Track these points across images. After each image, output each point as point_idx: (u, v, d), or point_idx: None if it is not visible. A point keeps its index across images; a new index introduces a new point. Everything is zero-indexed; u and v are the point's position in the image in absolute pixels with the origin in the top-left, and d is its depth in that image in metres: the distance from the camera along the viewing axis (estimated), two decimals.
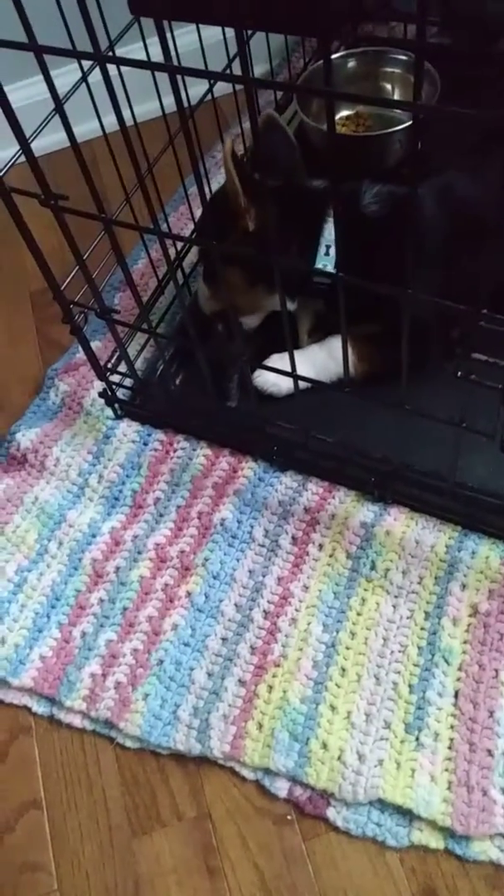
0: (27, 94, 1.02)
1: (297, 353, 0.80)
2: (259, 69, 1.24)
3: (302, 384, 0.82)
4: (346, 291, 0.64)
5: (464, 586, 0.83)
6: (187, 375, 1.02)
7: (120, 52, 0.80)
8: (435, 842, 0.72)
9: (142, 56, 0.83)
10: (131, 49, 0.84)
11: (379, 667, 0.80)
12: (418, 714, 0.77)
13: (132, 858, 0.76)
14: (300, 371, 0.79)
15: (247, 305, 0.95)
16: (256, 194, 0.83)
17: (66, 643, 0.86)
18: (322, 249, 0.88)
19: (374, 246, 0.79)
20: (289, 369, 0.78)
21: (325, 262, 0.88)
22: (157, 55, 0.55)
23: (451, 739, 0.75)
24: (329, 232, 0.88)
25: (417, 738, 0.76)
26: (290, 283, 0.89)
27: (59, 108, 0.63)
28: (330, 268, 0.87)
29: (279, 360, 0.92)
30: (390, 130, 1.11)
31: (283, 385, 0.94)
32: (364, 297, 0.63)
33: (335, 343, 0.93)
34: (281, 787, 0.76)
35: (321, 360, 0.93)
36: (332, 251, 0.87)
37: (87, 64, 0.76)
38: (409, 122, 1.07)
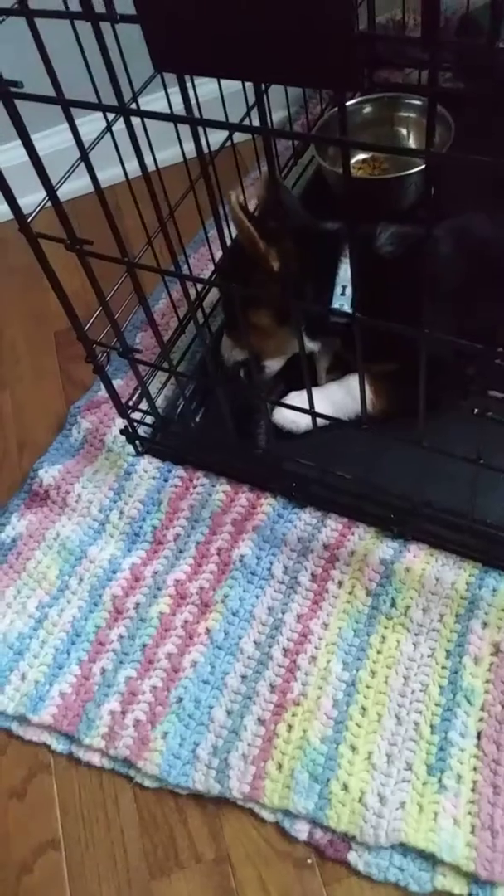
0: (53, 142, 1.06)
1: (315, 391, 0.81)
2: (277, 115, 1.27)
3: (320, 421, 0.82)
4: (362, 331, 0.65)
5: (485, 624, 0.82)
6: (207, 413, 1.03)
7: (143, 100, 0.83)
8: (459, 888, 0.70)
9: (164, 104, 0.87)
10: (153, 98, 0.87)
11: (400, 706, 0.79)
12: (440, 755, 0.76)
13: None
14: (318, 408, 0.80)
15: (273, 348, 0.96)
16: (273, 236, 0.85)
17: (86, 680, 0.86)
18: (338, 290, 0.89)
19: (390, 286, 0.80)
20: (307, 407, 0.79)
21: (342, 301, 0.89)
22: (179, 104, 0.57)
23: (475, 782, 0.74)
24: (344, 272, 0.89)
25: (440, 780, 0.74)
26: (311, 322, 0.91)
27: (84, 157, 0.66)
28: (346, 307, 0.88)
29: (297, 398, 0.93)
30: (405, 174, 1.13)
31: (302, 422, 0.95)
32: (380, 335, 0.64)
33: (353, 381, 0.94)
34: (301, 830, 0.75)
35: (339, 397, 0.93)
36: (348, 291, 0.88)
37: (111, 115, 0.79)
38: (424, 166, 1.09)
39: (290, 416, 0.95)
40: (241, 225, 0.85)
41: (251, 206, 1.10)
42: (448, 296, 0.85)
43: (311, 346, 0.96)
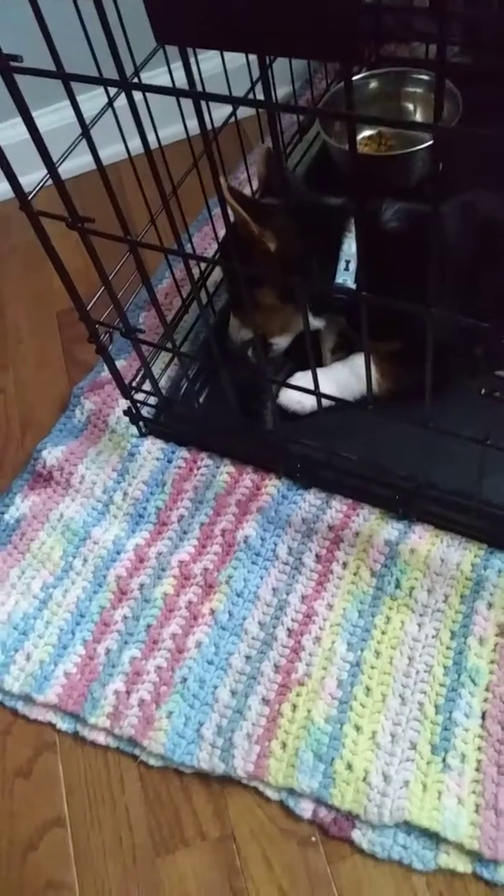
0: (54, 118, 1.04)
1: (320, 372, 0.80)
2: (282, 91, 1.25)
3: (325, 402, 0.82)
4: (367, 308, 0.65)
5: (490, 605, 0.82)
6: (211, 393, 1.03)
7: (145, 75, 0.81)
8: (462, 866, 0.70)
9: (167, 80, 0.85)
10: (156, 73, 0.86)
11: (404, 686, 0.79)
12: (445, 735, 0.76)
13: (155, 878, 0.75)
14: (324, 389, 0.79)
15: (279, 326, 0.95)
16: (267, 216, 0.84)
17: (91, 660, 0.87)
18: (342, 265, 0.88)
19: (395, 262, 0.79)
20: (312, 388, 0.79)
21: (345, 277, 0.88)
22: (181, 79, 0.56)
23: (479, 761, 0.74)
24: (348, 247, 0.88)
25: (444, 760, 0.75)
26: (315, 299, 0.90)
27: (85, 133, 0.65)
28: (350, 283, 0.88)
29: (303, 379, 0.92)
30: (412, 150, 1.12)
31: (307, 403, 0.94)
32: (385, 313, 0.63)
33: (358, 361, 0.93)
34: (305, 808, 0.75)
35: (344, 377, 0.93)
36: (352, 266, 0.87)
37: (113, 90, 0.77)
38: (431, 142, 1.07)
39: (296, 397, 0.94)
40: (233, 208, 0.84)
41: (254, 182, 1.09)
42: (454, 273, 0.84)
43: (316, 323, 0.95)
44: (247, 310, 0.89)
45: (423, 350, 0.63)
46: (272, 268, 0.86)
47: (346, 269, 0.88)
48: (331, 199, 0.93)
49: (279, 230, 0.84)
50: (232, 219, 0.92)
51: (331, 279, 0.89)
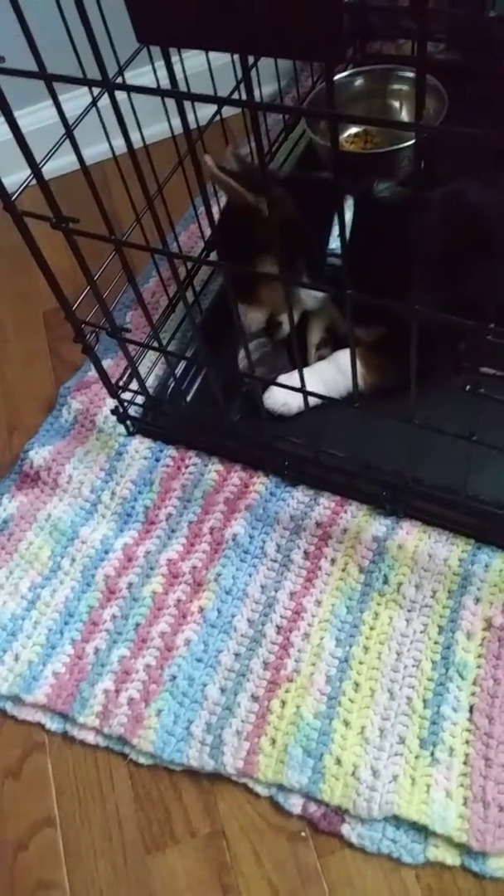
0: (38, 118, 1.04)
1: (305, 371, 0.80)
2: (268, 88, 1.26)
3: (312, 401, 0.82)
4: (354, 275, 0.64)
5: (477, 600, 0.83)
6: (198, 392, 1.03)
7: (129, 74, 0.81)
8: (451, 858, 0.71)
9: (151, 79, 0.85)
10: (141, 71, 0.86)
11: (393, 682, 0.80)
12: (433, 729, 0.76)
13: (146, 875, 0.76)
14: (310, 388, 0.79)
15: (283, 300, 0.95)
16: (258, 185, 0.86)
17: (79, 659, 0.87)
18: (335, 231, 0.90)
19: (383, 236, 0.80)
20: (297, 389, 0.79)
21: (337, 243, 0.90)
22: (166, 77, 0.56)
23: (467, 755, 0.75)
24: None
25: (432, 754, 0.75)
26: (312, 270, 0.91)
27: (69, 134, 0.65)
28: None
29: (287, 380, 0.93)
30: (397, 147, 1.12)
31: (293, 404, 0.94)
32: (371, 290, 0.63)
33: (343, 358, 0.93)
34: (295, 804, 0.76)
35: (330, 375, 0.93)
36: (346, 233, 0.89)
37: (96, 89, 0.77)
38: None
39: (281, 399, 0.94)
40: (221, 182, 0.85)
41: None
42: (439, 263, 0.84)
43: (311, 302, 0.95)
44: (251, 293, 0.90)
45: (406, 336, 0.64)
46: (272, 237, 0.87)
47: (339, 235, 0.90)
48: (321, 173, 0.94)
49: (274, 199, 0.86)
50: (221, 208, 0.92)
51: (323, 246, 0.90)
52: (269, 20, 0.40)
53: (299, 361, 0.77)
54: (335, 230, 0.90)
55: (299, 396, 0.87)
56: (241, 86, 0.96)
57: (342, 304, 0.68)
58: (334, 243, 0.90)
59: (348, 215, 0.90)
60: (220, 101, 0.53)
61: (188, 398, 1.03)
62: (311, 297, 0.96)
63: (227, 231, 0.88)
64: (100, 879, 0.76)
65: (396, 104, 1.26)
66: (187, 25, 0.43)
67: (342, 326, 0.97)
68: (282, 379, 0.93)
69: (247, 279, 0.94)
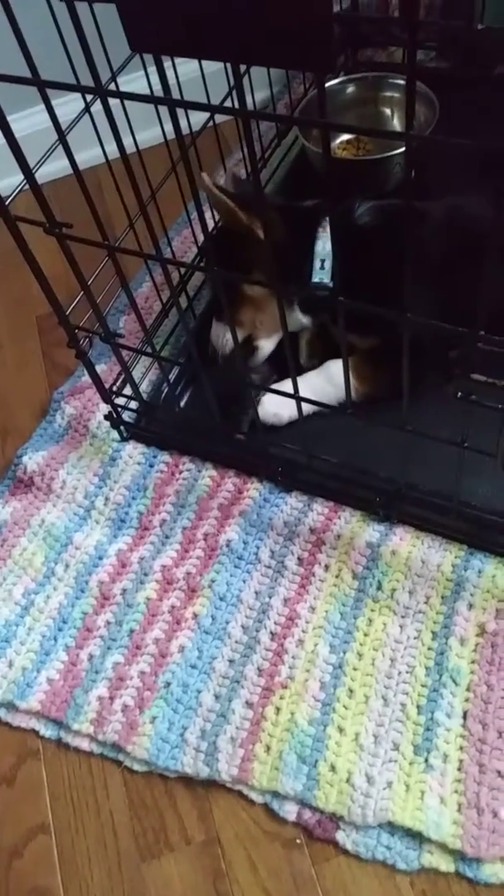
0: (31, 122, 1.04)
1: (280, 389, 0.82)
2: (260, 95, 1.26)
3: (305, 410, 0.82)
4: (344, 304, 0.65)
5: (471, 606, 0.83)
6: (192, 398, 1.03)
7: (123, 78, 0.82)
8: (445, 865, 0.71)
9: (144, 84, 0.85)
10: (135, 77, 0.86)
11: (387, 688, 0.80)
12: (427, 735, 0.76)
13: (141, 883, 0.75)
14: (286, 411, 0.81)
15: (267, 322, 0.95)
16: (253, 207, 0.86)
17: (74, 666, 0.86)
18: (317, 264, 0.91)
19: (369, 258, 0.80)
20: (288, 399, 0.79)
21: (321, 276, 0.91)
22: (158, 83, 0.56)
23: (461, 761, 0.75)
24: (322, 247, 0.91)
25: (426, 760, 0.75)
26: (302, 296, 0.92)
27: (62, 139, 0.65)
28: (326, 281, 0.89)
29: (280, 388, 0.93)
30: (389, 154, 1.12)
31: (284, 415, 0.94)
32: (358, 297, 0.63)
33: (332, 368, 0.94)
34: (290, 811, 0.76)
35: (320, 386, 0.93)
36: (327, 265, 0.90)
37: (89, 95, 0.77)
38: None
39: (272, 410, 0.94)
40: (217, 200, 0.85)
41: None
42: (431, 272, 0.85)
43: (303, 320, 0.96)
44: (236, 312, 0.90)
45: (399, 348, 0.64)
46: (263, 257, 0.88)
47: (322, 267, 0.91)
48: (305, 202, 0.94)
49: (266, 220, 0.86)
50: (215, 218, 0.93)
51: (307, 278, 0.90)
52: (260, 30, 0.40)
53: (293, 371, 0.77)
54: (317, 262, 0.90)
55: (290, 407, 0.87)
56: (234, 93, 0.97)
57: (334, 318, 0.68)
58: (318, 277, 0.90)
59: (325, 248, 0.90)
60: (212, 109, 0.53)
61: (182, 404, 1.03)
62: (295, 320, 0.96)
63: (217, 250, 0.88)
64: (94, 887, 0.76)
65: (388, 111, 1.27)
66: (179, 34, 0.43)
67: (335, 336, 0.97)
68: (268, 398, 0.94)
69: (230, 298, 0.94)
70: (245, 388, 0.90)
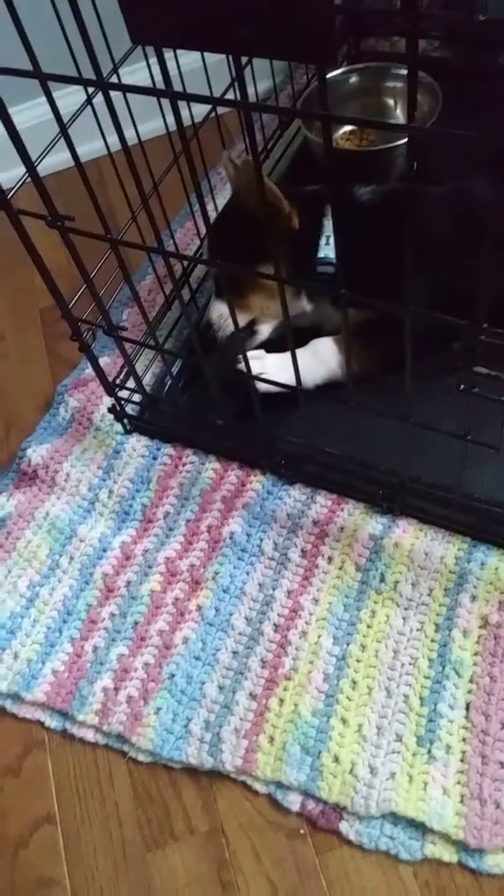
0: (32, 114, 1.03)
1: (282, 357, 0.84)
2: (263, 85, 1.25)
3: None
4: (345, 277, 0.65)
5: (474, 598, 0.83)
6: (195, 390, 1.03)
7: (125, 70, 0.81)
8: (448, 855, 0.71)
9: (145, 75, 0.85)
10: (137, 68, 0.86)
11: (390, 679, 0.80)
12: (430, 727, 0.77)
13: (146, 873, 0.76)
14: (286, 376, 0.81)
15: (274, 309, 0.95)
16: (290, 197, 0.90)
17: (78, 658, 0.87)
18: (323, 240, 0.92)
19: (371, 236, 0.80)
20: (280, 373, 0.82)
21: (327, 251, 0.92)
22: (160, 75, 0.56)
23: (464, 752, 0.75)
24: (329, 224, 0.93)
25: (429, 751, 0.75)
26: (309, 278, 0.93)
27: (63, 132, 0.64)
28: (331, 256, 0.91)
29: (272, 360, 0.94)
30: (392, 145, 1.12)
31: (280, 378, 0.93)
32: (362, 280, 0.63)
33: (319, 344, 0.94)
34: (293, 801, 0.76)
35: (306, 361, 0.92)
36: (332, 241, 0.91)
37: (90, 88, 0.77)
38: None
39: (272, 371, 0.94)
40: (262, 186, 0.85)
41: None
42: (434, 254, 0.84)
43: (306, 307, 0.96)
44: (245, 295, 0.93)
45: (390, 323, 0.65)
46: (282, 245, 0.88)
47: (328, 243, 0.93)
48: (310, 186, 0.97)
49: (301, 212, 0.90)
50: (217, 209, 0.92)
51: (314, 253, 0.92)
52: (261, 22, 0.40)
53: (291, 344, 0.77)
54: (323, 238, 0.92)
55: (285, 375, 0.87)
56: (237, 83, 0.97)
57: (337, 304, 0.69)
58: (323, 252, 0.92)
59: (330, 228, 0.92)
60: (214, 102, 0.53)
61: (185, 396, 1.03)
62: (299, 307, 0.96)
63: (228, 235, 0.88)
64: (100, 876, 0.76)
65: (391, 102, 1.26)
66: (180, 27, 0.43)
67: (328, 320, 0.97)
68: (270, 358, 0.93)
69: (239, 283, 0.94)
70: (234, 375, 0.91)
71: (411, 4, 0.37)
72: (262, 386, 0.86)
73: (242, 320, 0.97)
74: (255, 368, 0.93)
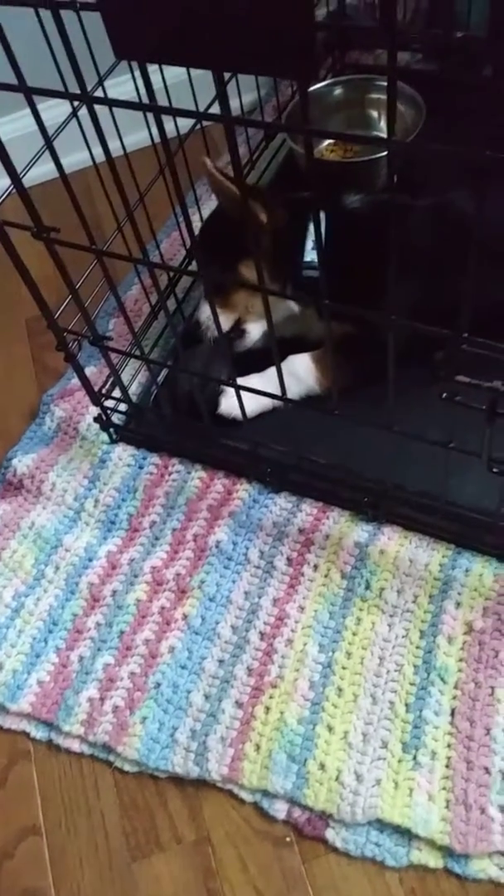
0: (18, 126, 1.04)
1: (257, 377, 0.85)
2: (248, 98, 1.26)
3: (268, 404, 0.85)
4: (328, 282, 0.66)
5: (458, 604, 0.84)
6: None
7: (110, 82, 0.82)
8: (434, 861, 0.72)
9: (130, 88, 0.85)
10: (122, 81, 0.86)
11: (375, 686, 0.81)
12: (415, 733, 0.77)
13: (132, 883, 0.76)
14: (255, 405, 0.82)
15: (260, 306, 0.96)
16: (254, 195, 0.90)
17: (64, 668, 0.87)
18: (309, 245, 0.92)
19: (356, 240, 0.82)
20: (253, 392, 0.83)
21: (312, 256, 0.92)
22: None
23: (449, 758, 0.76)
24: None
25: (415, 758, 0.76)
26: (294, 279, 0.93)
27: (48, 144, 0.65)
28: (316, 261, 0.91)
29: (247, 382, 0.94)
30: (377, 156, 1.13)
31: (249, 408, 0.94)
32: (344, 293, 0.64)
33: (295, 362, 0.95)
34: (280, 809, 0.76)
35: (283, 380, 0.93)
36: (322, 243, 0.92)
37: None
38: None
39: (235, 403, 0.94)
40: (219, 184, 0.87)
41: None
42: (416, 267, 0.85)
43: (293, 308, 0.96)
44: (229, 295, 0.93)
45: (370, 338, 0.65)
46: (264, 242, 0.89)
47: (314, 248, 0.92)
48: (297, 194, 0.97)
49: (267, 206, 0.89)
50: (202, 218, 0.93)
51: (300, 255, 0.92)
52: (243, 38, 0.40)
53: (277, 358, 0.78)
54: (309, 243, 0.92)
55: (253, 402, 0.89)
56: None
57: (320, 313, 0.69)
58: (309, 256, 0.92)
59: (322, 227, 0.92)
60: (198, 116, 0.53)
61: (170, 406, 1.03)
62: (285, 308, 0.97)
63: (212, 236, 0.89)
64: (85, 887, 0.76)
65: (375, 113, 1.27)
66: (163, 42, 0.44)
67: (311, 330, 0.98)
68: (236, 390, 0.94)
69: (221, 283, 0.95)
70: (207, 382, 0.91)
71: (391, 23, 0.37)
72: (249, 406, 0.88)
73: (229, 319, 0.97)
74: (224, 410, 0.94)
